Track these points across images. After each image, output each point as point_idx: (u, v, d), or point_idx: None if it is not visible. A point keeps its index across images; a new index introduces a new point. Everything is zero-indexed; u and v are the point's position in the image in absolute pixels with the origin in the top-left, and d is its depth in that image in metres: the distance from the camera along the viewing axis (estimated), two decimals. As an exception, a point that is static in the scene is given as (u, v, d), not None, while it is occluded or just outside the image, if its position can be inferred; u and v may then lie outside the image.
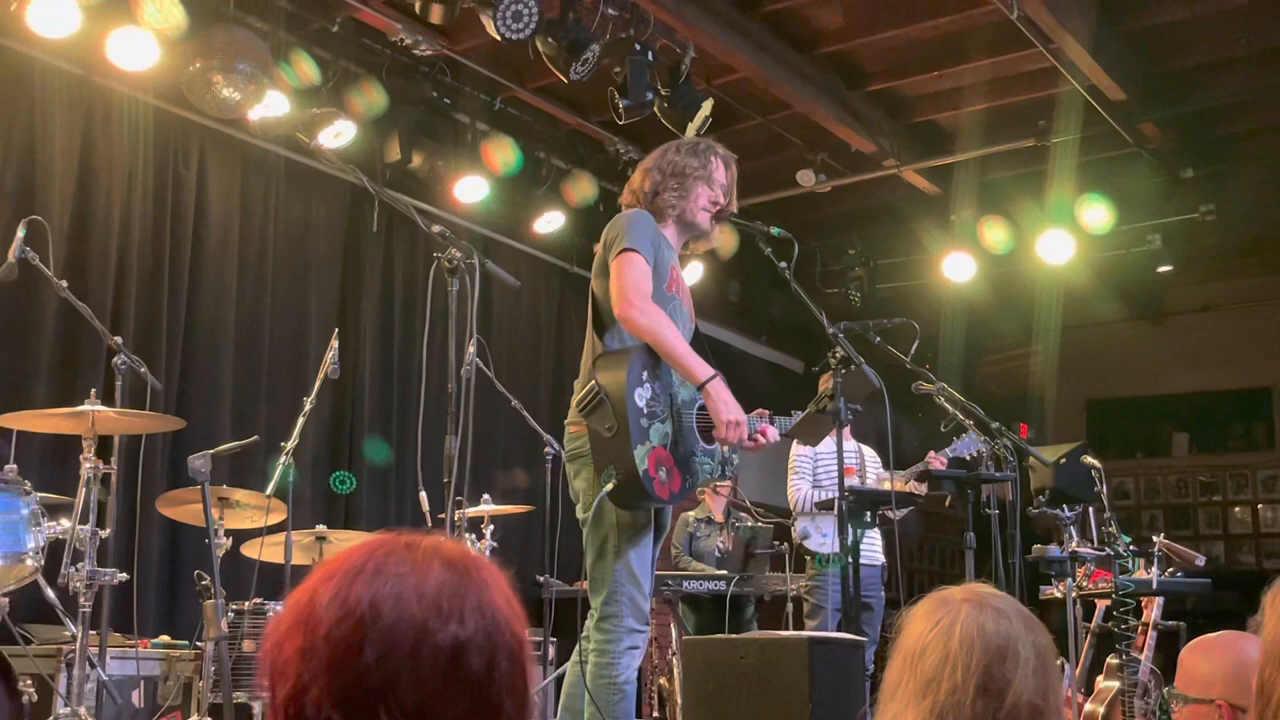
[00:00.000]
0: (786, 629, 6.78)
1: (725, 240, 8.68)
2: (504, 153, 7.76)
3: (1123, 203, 8.82)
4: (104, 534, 4.56)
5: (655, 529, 3.81)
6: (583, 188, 8.33)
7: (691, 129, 7.10)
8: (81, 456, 4.52)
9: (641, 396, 3.69)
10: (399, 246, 8.03)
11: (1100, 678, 6.10)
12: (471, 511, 5.72)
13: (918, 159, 8.79)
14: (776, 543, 7.28)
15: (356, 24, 6.96)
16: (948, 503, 5.41)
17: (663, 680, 7.45)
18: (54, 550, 4.51)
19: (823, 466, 6.92)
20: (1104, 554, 6.01)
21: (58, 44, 6.02)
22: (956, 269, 9.48)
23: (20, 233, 4.57)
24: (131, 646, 5.39)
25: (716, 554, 7.47)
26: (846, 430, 4.35)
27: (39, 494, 4.48)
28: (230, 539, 5.09)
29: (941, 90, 8.20)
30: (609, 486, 3.57)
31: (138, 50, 6.05)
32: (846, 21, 7.40)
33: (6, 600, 4.42)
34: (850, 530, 4.67)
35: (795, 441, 6.76)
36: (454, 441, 3.41)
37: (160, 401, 6.03)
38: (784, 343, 11.50)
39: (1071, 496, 6.04)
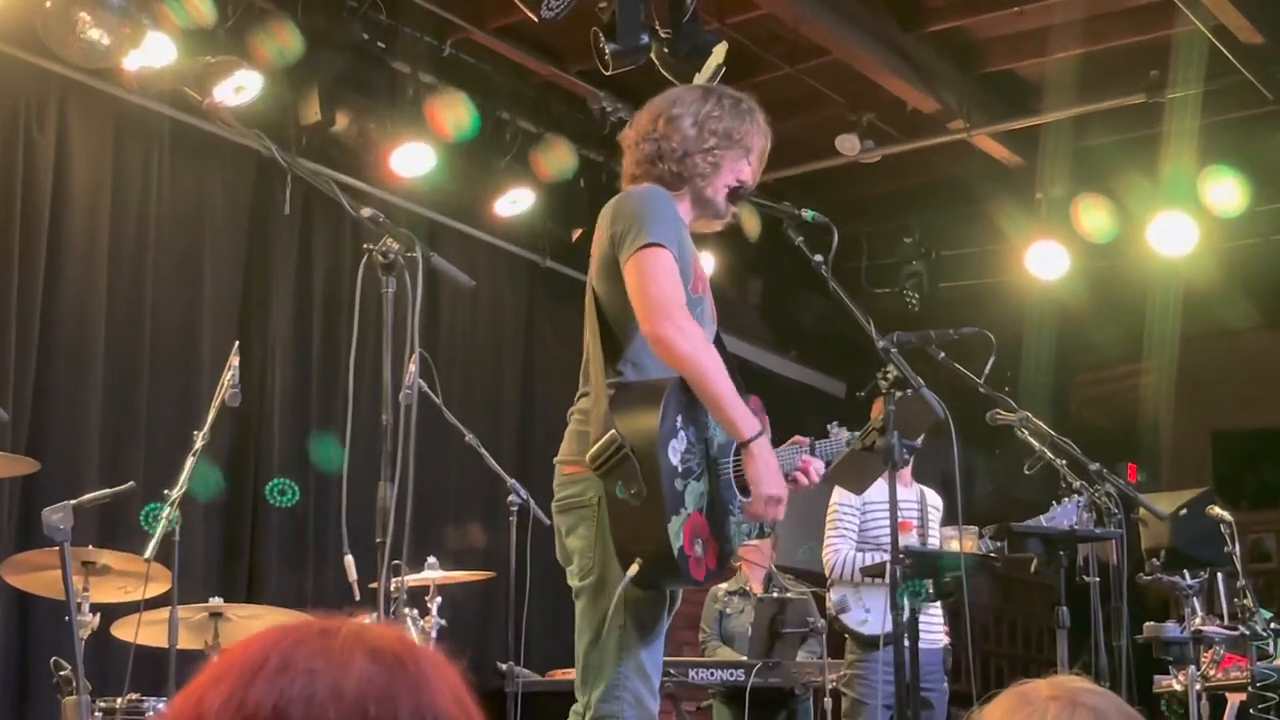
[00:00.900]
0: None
1: (746, 225, 8.79)
2: (455, 112, 7.78)
3: (1259, 177, 8.83)
4: (-67, 610, 4.55)
5: (669, 603, 3.82)
6: (558, 157, 8.34)
7: (700, 81, 7.11)
8: (-96, 509, 4.52)
9: (675, 450, 3.68)
10: (318, 235, 8.04)
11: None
12: (413, 580, 5.71)
13: (993, 120, 8.81)
14: (810, 619, 7.28)
15: (264, -55, 7.00)
16: (1034, 567, 5.40)
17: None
18: None
19: (871, 519, 6.92)
20: (1237, 633, 6.00)
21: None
22: (1044, 263, 9.49)
23: None
24: (-32, 757, 5.38)
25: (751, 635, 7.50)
26: (902, 473, 4.36)
27: None
28: (97, 616, 5.07)
29: (1024, 31, 8.22)
30: (632, 572, 3.56)
31: (-21, -20, 6.07)
32: (900, -58, 7.46)
33: None
34: (905, 603, 4.67)
35: (835, 488, 6.78)
36: (390, 489, 3.40)
37: (7, 437, 6.02)
38: (820, 359, 11.51)
39: (1194, 559, 6.04)
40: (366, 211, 3.50)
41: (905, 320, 9.24)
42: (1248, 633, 6.01)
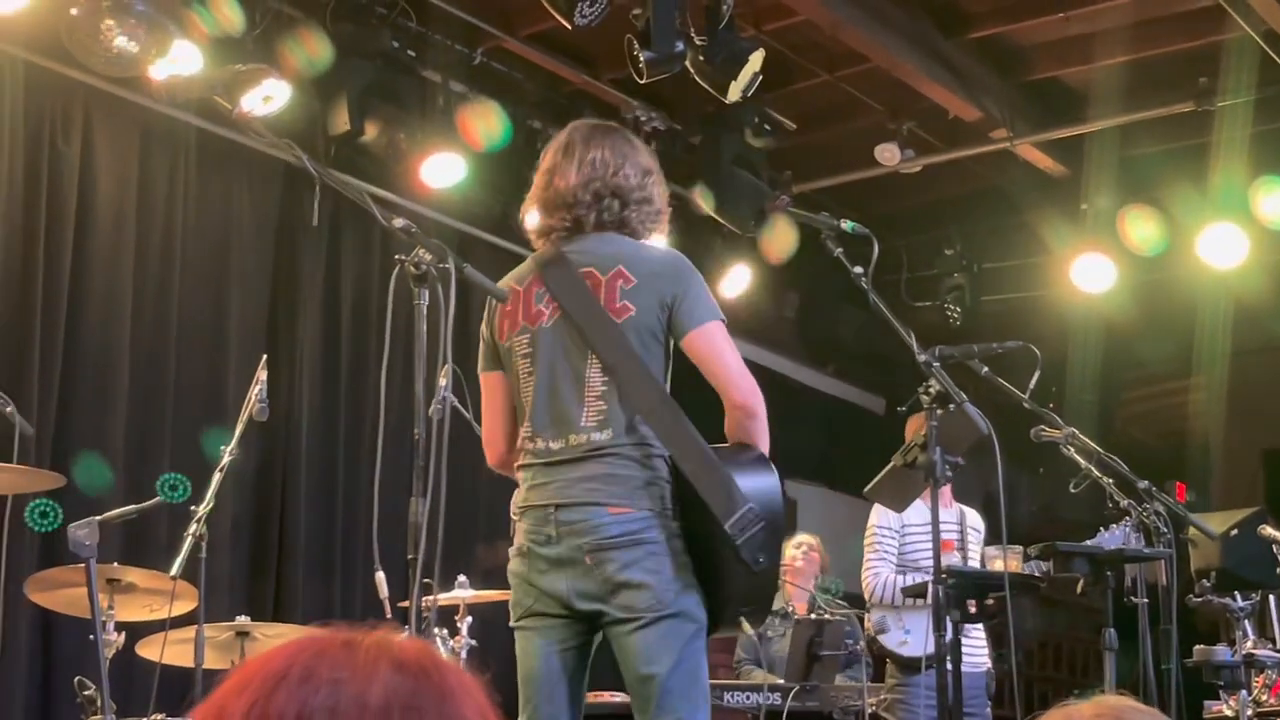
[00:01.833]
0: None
1: (781, 239, 8.79)
2: (486, 122, 7.80)
3: (1313, 187, 8.79)
4: (-43, 627, 4.58)
5: None
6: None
7: (735, 90, 7.13)
8: (-72, 524, 4.55)
9: None
10: (348, 246, 8.08)
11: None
12: (443, 599, 5.72)
13: (1037, 129, 8.79)
14: (849, 641, 7.26)
15: (292, -48, 7.05)
16: (1080, 588, 5.38)
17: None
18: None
19: (911, 540, 6.90)
20: (1290, 657, 5.96)
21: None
22: (1090, 276, 9.46)
23: None
24: (-9, 777, 5.41)
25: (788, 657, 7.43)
26: (944, 491, 4.35)
27: None
28: (123, 634, 5.09)
29: (1068, 38, 8.21)
30: (748, 628, 3.95)
31: (4, -13, 6.12)
32: (942, -53, 7.46)
33: None
34: (947, 624, 4.66)
35: (875, 506, 6.77)
36: (421, 505, 3.42)
37: (31, 452, 6.04)
38: (859, 374, 11.49)
39: (1246, 580, 6.00)
40: (399, 222, 3.51)
41: (946, 335, 9.22)
42: (1301, 657, 5.96)
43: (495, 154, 7.94)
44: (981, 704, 6.84)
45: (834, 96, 8.55)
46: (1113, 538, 5.48)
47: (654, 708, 3.90)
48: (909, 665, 6.74)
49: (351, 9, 7.35)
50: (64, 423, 6.76)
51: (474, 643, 5.89)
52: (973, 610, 5.24)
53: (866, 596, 6.96)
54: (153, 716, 5.14)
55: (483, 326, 4.17)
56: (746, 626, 7.53)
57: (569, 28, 6.54)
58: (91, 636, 4.72)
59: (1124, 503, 5.40)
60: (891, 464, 4.22)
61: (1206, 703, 6.40)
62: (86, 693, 4.75)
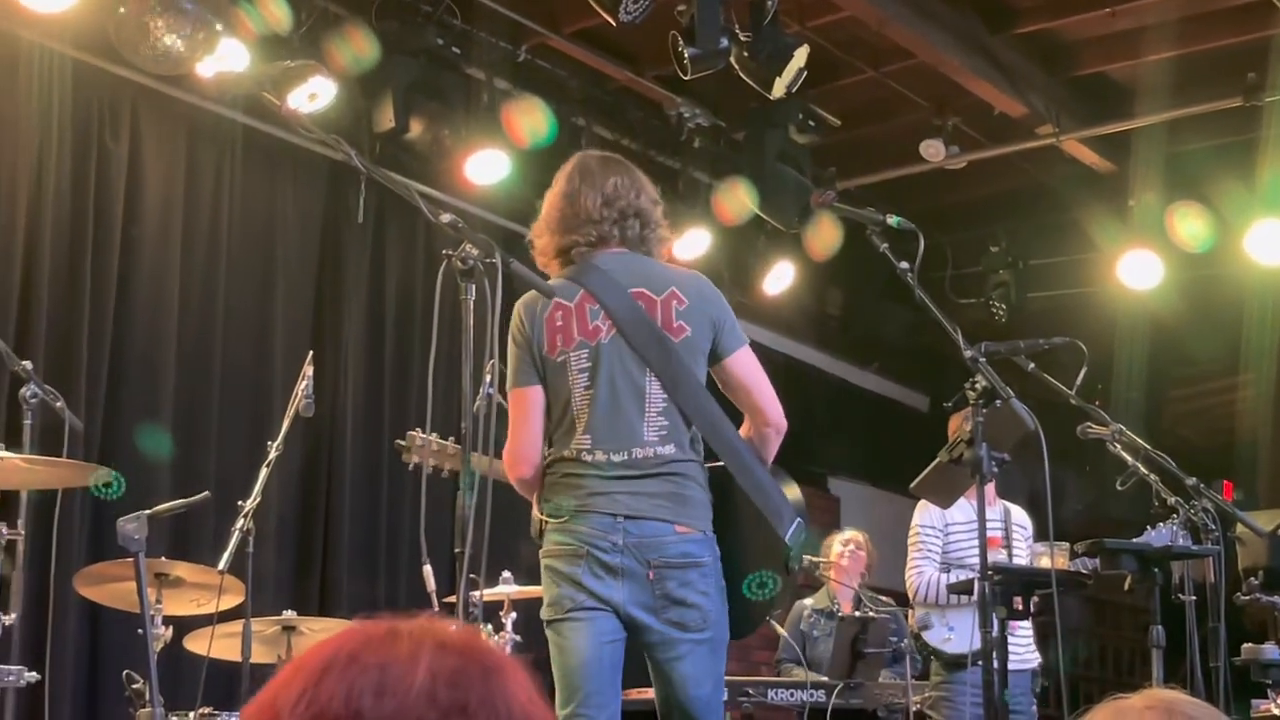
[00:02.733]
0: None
1: (825, 236, 8.78)
2: (531, 119, 7.82)
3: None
4: (7, 620, 4.63)
5: None
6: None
7: (780, 86, 7.13)
8: (-21, 518, 4.60)
9: None
10: (393, 242, 8.12)
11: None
12: (489, 594, 5.74)
13: (1083, 125, 8.76)
14: (894, 639, 7.25)
15: (338, -50, 7.08)
16: (1127, 585, 5.35)
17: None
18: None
19: (955, 539, 6.89)
20: (1340, 657, 5.91)
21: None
22: (1137, 273, 9.42)
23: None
24: (41, 770, 5.45)
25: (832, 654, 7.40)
26: (988, 489, 4.34)
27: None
28: (170, 628, 5.14)
29: (1115, 33, 8.17)
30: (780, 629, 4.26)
31: (53, -14, 6.17)
32: (988, -58, 7.44)
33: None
34: (993, 621, 4.65)
35: (920, 504, 6.76)
36: (468, 500, 3.44)
37: (80, 446, 6.09)
38: (903, 371, 11.47)
39: (1295, 578, 5.97)
40: (446, 217, 3.53)
41: (992, 332, 9.18)
42: (1352, 656, 5.91)
43: (539, 151, 7.95)
44: (1027, 702, 6.82)
45: (879, 92, 8.54)
46: (1160, 535, 5.45)
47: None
48: (953, 663, 6.73)
49: (397, 6, 7.39)
50: (112, 418, 6.81)
51: (518, 638, 5.91)
52: (1019, 607, 5.22)
53: (910, 596, 6.95)
54: (200, 710, 5.18)
55: (515, 342, 4.23)
56: (779, 628, 7.54)
57: (613, 24, 6.56)
58: (140, 630, 4.76)
59: (1171, 500, 5.38)
60: (937, 460, 4.22)
61: (1255, 701, 6.35)
62: (135, 686, 4.79)
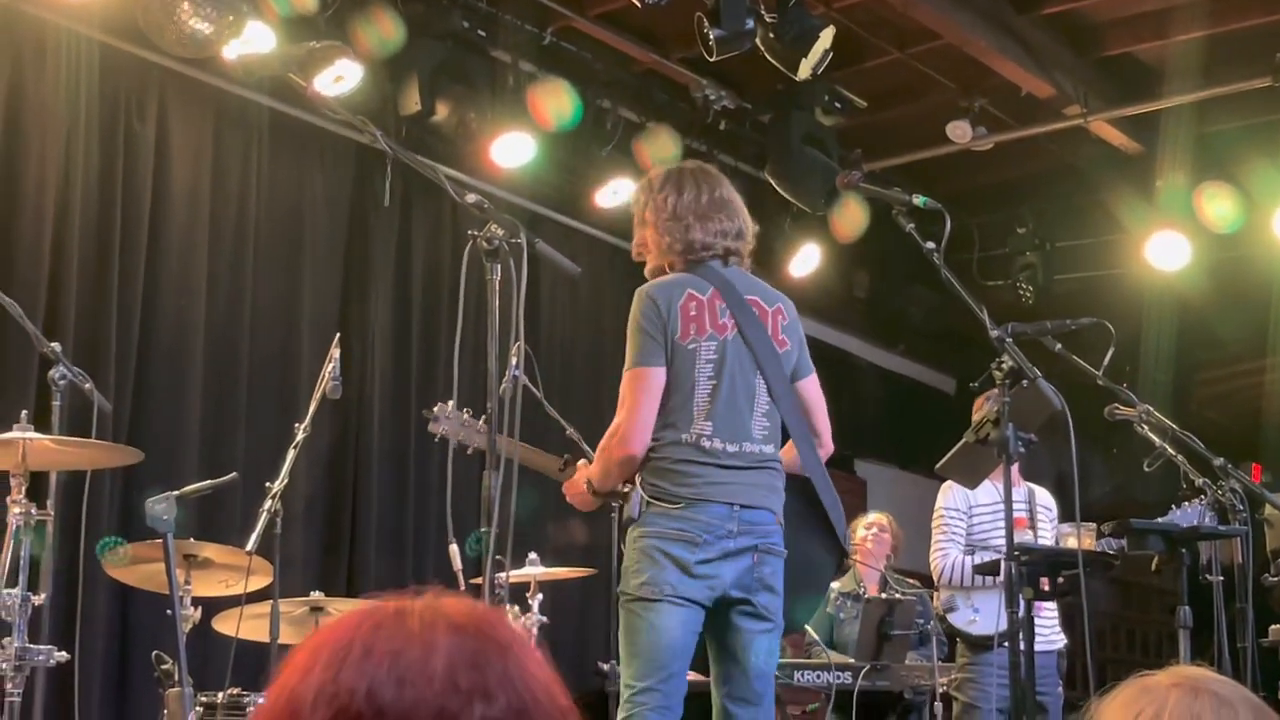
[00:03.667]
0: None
1: (851, 218, 8.76)
2: (557, 101, 7.82)
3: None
4: (37, 600, 4.65)
5: None
6: (660, 147, 8.35)
7: (806, 67, 7.12)
8: (9, 499, 4.61)
9: None
10: (419, 224, 8.12)
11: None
12: (515, 575, 5.75)
13: (1111, 105, 8.72)
14: (920, 620, 7.24)
15: (364, -67, 7.08)
16: (1154, 566, 5.34)
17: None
18: (-28, 621, 4.60)
19: (979, 520, 6.86)
20: (1368, 638, 5.90)
21: (-21, -37, 6.18)
22: (1165, 254, 9.38)
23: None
24: (72, 749, 5.48)
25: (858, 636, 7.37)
26: (1013, 470, 4.32)
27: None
28: (199, 609, 5.15)
29: (1144, 13, 8.13)
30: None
31: (81, -30, 6.19)
32: (1014, -78, 7.40)
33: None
34: (1019, 602, 4.64)
35: (944, 486, 6.74)
36: (494, 480, 3.44)
37: (109, 427, 6.13)
38: (929, 352, 11.44)
39: (1323, 560, 5.95)
40: (471, 197, 3.54)
41: (1019, 314, 9.10)
42: (1379, 638, 5.90)
43: (565, 133, 7.96)
44: (1053, 683, 6.80)
45: (905, 74, 8.51)
46: (1186, 515, 5.44)
47: (767, 702, 4.47)
48: (979, 644, 6.70)
49: (423, -11, 7.39)
50: (141, 400, 6.84)
51: (544, 619, 5.92)
52: (1045, 588, 5.21)
53: (935, 578, 6.92)
54: (229, 690, 5.20)
55: (644, 326, 4.39)
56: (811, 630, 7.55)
57: (639, 7, 6.56)
58: (169, 611, 4.78)
59: (1199, 481, 5.36)
60: (964, 440, 4.21)
61: (1283, 684, 6.35)
62: (164, 666, 4.81)
